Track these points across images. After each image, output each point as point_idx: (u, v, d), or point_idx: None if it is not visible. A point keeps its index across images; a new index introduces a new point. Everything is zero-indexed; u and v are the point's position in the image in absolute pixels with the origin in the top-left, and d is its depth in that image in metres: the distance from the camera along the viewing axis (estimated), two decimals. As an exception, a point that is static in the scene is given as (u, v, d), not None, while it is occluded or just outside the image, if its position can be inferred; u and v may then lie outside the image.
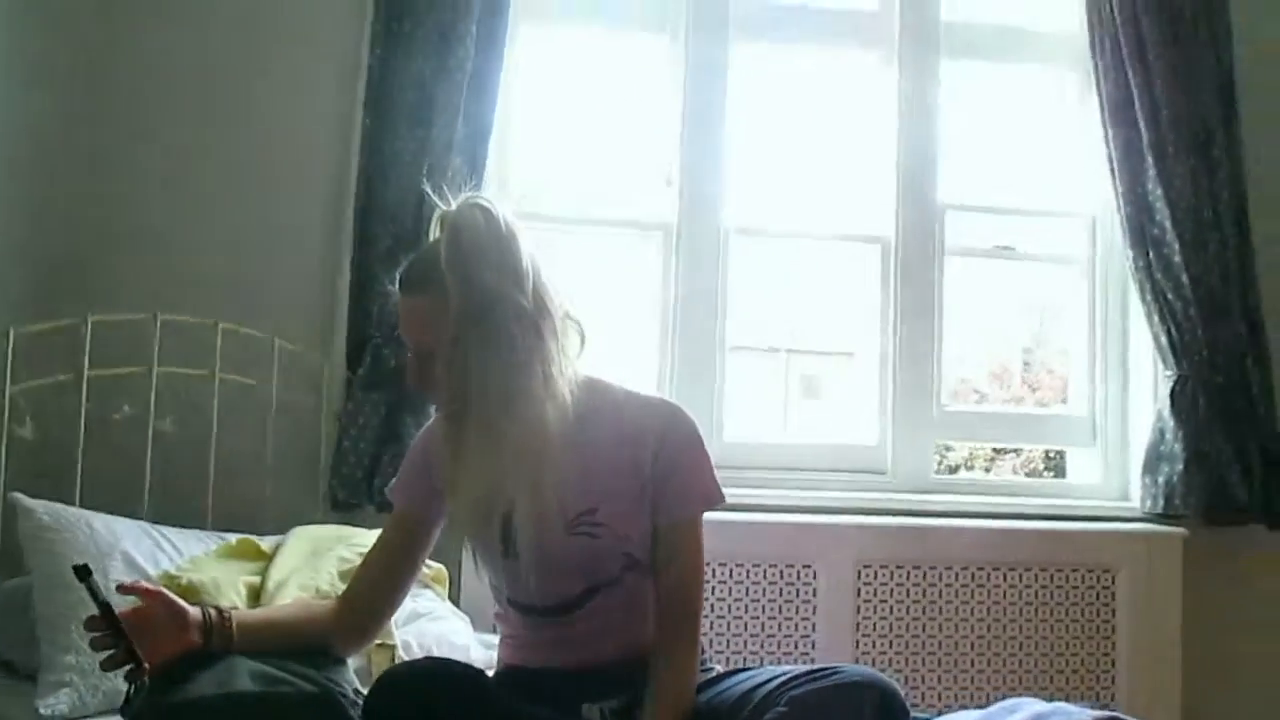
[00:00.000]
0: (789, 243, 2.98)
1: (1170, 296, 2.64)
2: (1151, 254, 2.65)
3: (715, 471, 1.60)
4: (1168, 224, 2.63)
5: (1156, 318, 2.65)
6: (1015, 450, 4.50)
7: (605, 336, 2.89)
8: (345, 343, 2.45)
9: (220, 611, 1.53)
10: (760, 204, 2.88)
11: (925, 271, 2.77)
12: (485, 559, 1.61)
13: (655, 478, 1.55)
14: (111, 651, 1.40)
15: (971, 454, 4.53)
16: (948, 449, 4.07)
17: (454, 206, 1.51)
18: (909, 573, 2.50)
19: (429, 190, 1.58)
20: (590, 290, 2.98)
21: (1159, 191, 2.64)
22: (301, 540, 2.07)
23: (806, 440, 2.94)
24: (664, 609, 1.56)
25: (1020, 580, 2.53)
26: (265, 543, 2.07)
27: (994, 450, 4.64)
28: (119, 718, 1.52)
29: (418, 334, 1.52)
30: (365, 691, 1.45)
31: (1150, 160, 2.65)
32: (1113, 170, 2.69)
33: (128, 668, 1.41)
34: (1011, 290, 3.36)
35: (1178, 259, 2.62)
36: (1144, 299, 2.67)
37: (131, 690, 1.44)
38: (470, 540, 1.63)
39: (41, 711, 1.65)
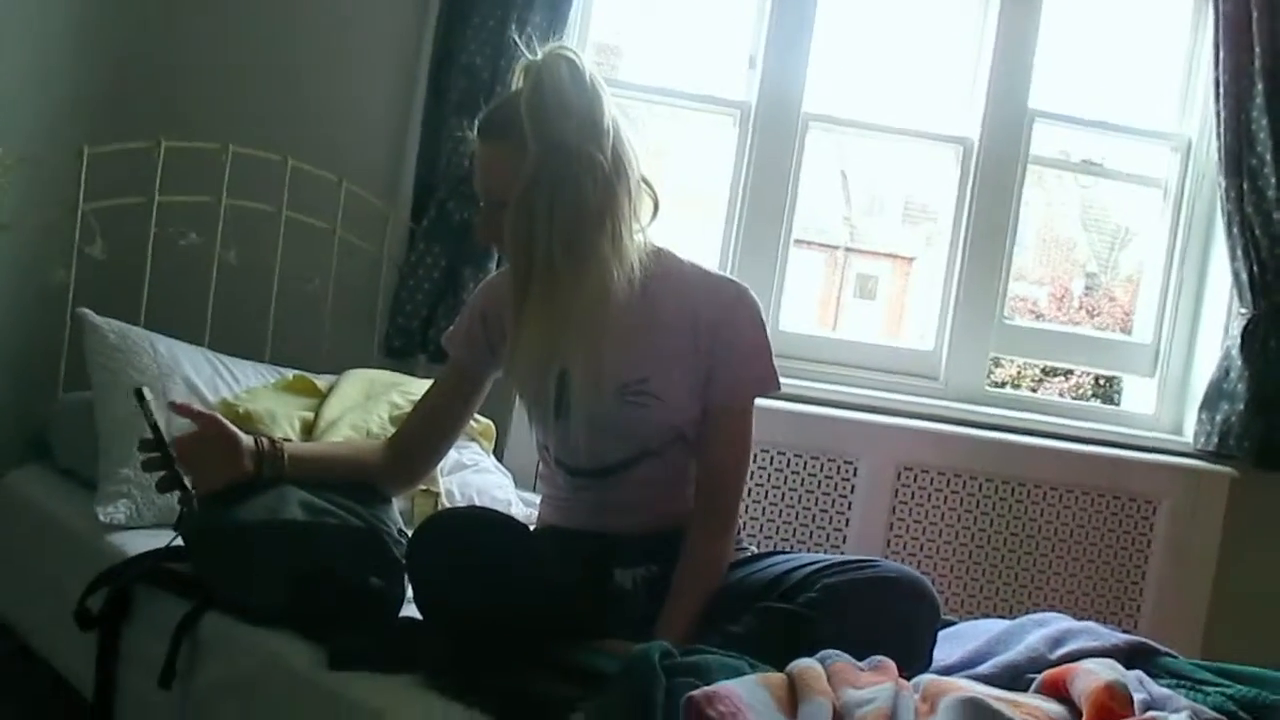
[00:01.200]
0: (866, 136, 2.90)
1: (1257, 232, 2.55)
2: (1246, 185, 2.55)
3: (774, 358, 1.58)
4: (1268, 155, 2.52)
5: (1240, 251, 2.56)
6: (1065, 374, 4.45)
7: (672, 213, 2.89)
8: (412, 192, 2.46)
9: (273, 441, 1.57)
10: (842, 93, 2.80)
11: (1005, 178, 2.69)
12: (537, 416, 1.62)
13: (713, 356, 1.54)
14: (163, 473, 1.45)
15: (1020, 372, 4.49)
16: (996, 364, 4.03)
17: (539, 57, 1.48)
18: (949, 480, 2.51)
19: (516, 39, 1.54)
20: (660, 165, 2.94)
21: (1264, 121, 2.52)
22: (356, 382, 2.11)
23: (863, 339, 2.91)
24: (704, 488, 1.56)
25: (1060, 500, 2.53)
26: (320, 381, 2.11)
27: (1042, 372, 4.59)
28: (173, 532, 1.59)
29: (492, 182, 1.50)
30: (409, 532, 1.49)
31: (1260, 87, 2.53)
32: (1218, 93, 2.57)
33: (178, 490, 1.46)
34: (1090, 208, 3.27)
35: (1272, 193, 2.53)
36: (1230, 231, 2.58)
37: (184, 509, 1.49)
38: (524, 397, 1.65)
39: (100, 519, 1.71)
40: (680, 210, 2.91)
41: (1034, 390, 4.14)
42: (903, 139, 2.89)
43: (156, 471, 1.47)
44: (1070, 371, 4.31)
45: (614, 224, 1.46)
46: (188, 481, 1.45)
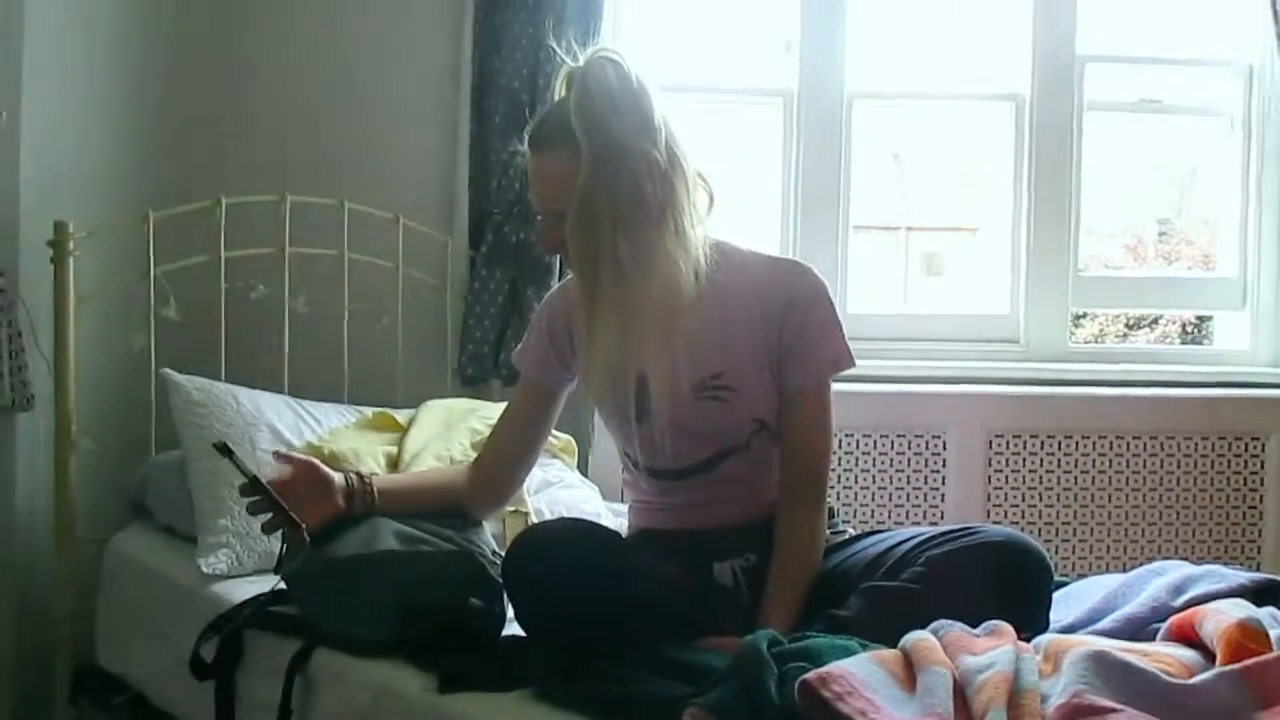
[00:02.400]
0: (914, 106, 2.85)
1: (1334, 147, 2.45)
2: (1314, 101, 2.45)
3: (845, 334, 1.56)
4: (1334, 68, 2.42)
5: (1318, 170, 2.46)
6: (1151, 324, 4.31)
7: (728, 208, 2.87)
8: (467, 220, 2.48)
9: (362, 477, 1.59)
10: (884, 68, 2.75)
11: (1062, 128, 2.62)
12: (617, 424, 1.61)
13: (784, 339, 1.52)
14: (270, 515, 1.47)
15: (1103, 330, 4.36)
16: (1077, 323, 3.92)
17: (581, 62, 1.47)
18: (1043, 442, 2.44)
19: (555, 47, 1.54)
20: (711, 161, 2.93)
21: (1324, 33, 2.42)
22: (434, 412, 2.12)
23: (935, 311, 2.85)
24: (789, 473, 1.54)
25: (1162, 449, 2.45)
26: (400, 416, 2.13)
27: (1126, 326, 4.46)
28: (274, 576, 1.61)
29: (550, 192, 1.49)
30: (501, 553, 1.49)
31: (1320, -2, 2.43)
32: (1275, 12, 2.48)
33: (283, 530, 1.48)
34: (1154, 150, 3.16)
35: (1344, 105, 2.42)
36: (1305, 152, 2.48)
37: (284, 550, 1.51)
38: (601, 406, 1.64)
39: (204, 570, 1.75)
40: (736, 205, 2.89)
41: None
42: (952, 103, 2.84)
43: (262, 514, 1.49)
44: (1155, 322, 4.17)
45: (676, 220, 1.44)
46: (296, 517, 1.46)
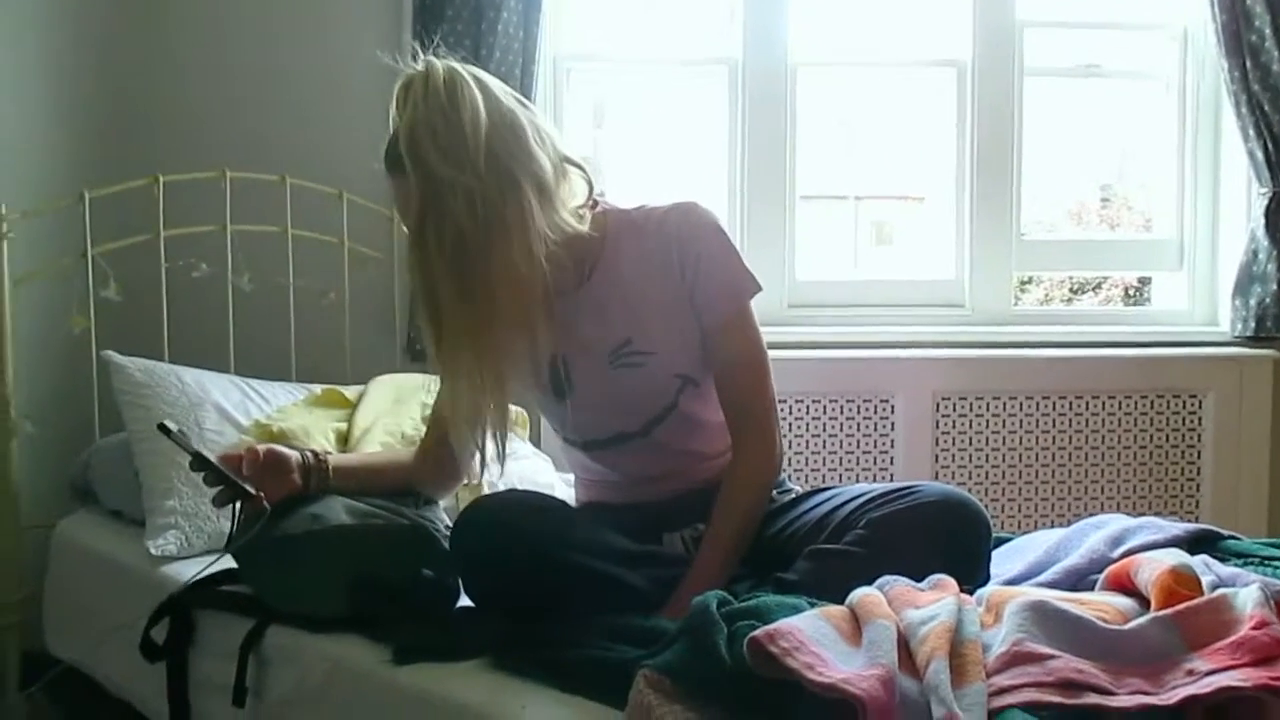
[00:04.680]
0: (858, 74, 2.86)
1: (1268, 108, 2.49)
2: (1249, 63, 2.50)
3: (743, 259, 1.54)
4: (1267, 30, 2.47)
5: (1252, 131, 2.51)
6: (1095, 288, 4.39)
7: (673, 179, 2.87)
8: (412, 194, 2.45)
9: (316, 454, 1.58)
10: (827, 36, 2.76)
11: (1003, 94, 2.66)
12: (541, 404, 1.63)
13: (685, 282, 1.51)
14: (219, 488, 1.46)
15: (1048, 295, 4.43)
16: (1023, 289, 3.98)
17: (418, 68, 1.40)
18: (988, 403, 2.49)
19: (421, 51, 1.46)
20: (657, 133, 2.92)
21: (1259, -6, 2.47)
22: (384, 388, 2.11)
23: (882, 277, 2.88)
24: (730, 414, 1.54)
25: (1103, 408, 2.50)
26: (349, 392, 2.12)
27: (1070, 291, 4.53)
28: (225, 555, 1.60)
29: (404, 215, 1.44)
30: (454, 525, 1.49)
31: (1251, -40, 2.47)
32: (1207, -29, 2.52)
33: (237, 504, 1.47)
34: (1091, 116, 3.20)
35: (1277, 67, 2.47)
36: (1239, 113, 2.52)
37: (237, 524, 1.50)
38: (526, 389, 1.64)
39: (153, 552, 1.73)
40: (682, 175, 2.90)
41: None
42: (895, 70, 2.86)
43: (214, 488, 1.47)
44: (1099, 286, 4.25)
45: (520, 231, 1.38)
46: (250, 489, 1.45)
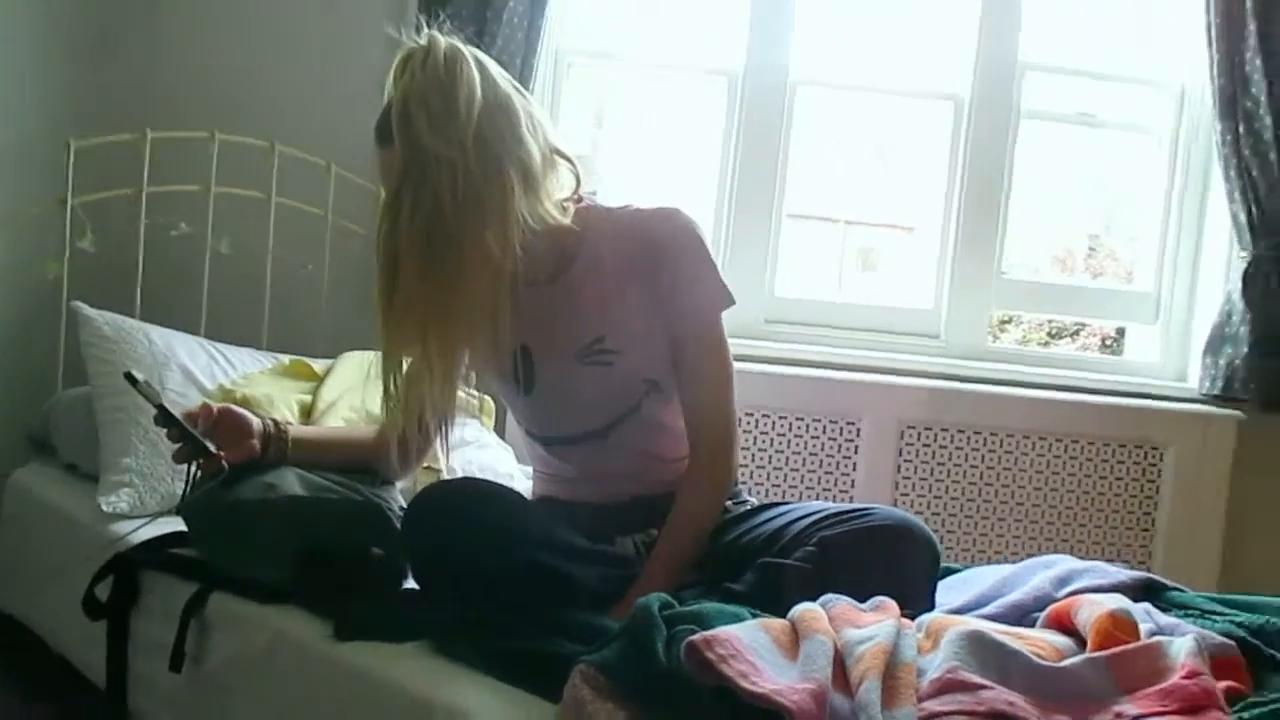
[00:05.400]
0: (857, 97, 2.88)
1: (1255, 173, 2.53)
2: (1241, 127, 2.53)
3: (719, 272, 1.54)
4: (1263, 97, 2.50)
5: (1238, 194, 2.54)
6: (1073, 334, 4.43)
7: (664, 184, 2.87)
8: (400, 174, 2.45)
9: (277, 423, 1.58)
10: (829, 57, 2.78)
11: (998, 132, 2.68)
12: (505, 395, 1.63)
13: (661, 289, 1.51)
14: (180, 445, 1.45)
15: (1026, 336, 4.47)
16: (1002, 329, 4.01)
17: (419, 42, 1.40)
18: (953, 436, 2.50)
19: (424, 24, 1.46)
20: (652, 136, 2.92)
21: (1258, 62, 2.50)
22: (352, 364, 2.10)
23: (860, 301, 2.90)
24: (692, 425, 1.54)
25: (1065, 451, 2.52)
26: (318, 365, 2.11)
27: (1049, 335, 4.57)
28: (177, 517, 1.59)
29: (385, 187, 1.44)
30: (409, 508, 1.48)
31: (1252, 27, 2.50)
32: (1210, 38, 2.54)
33: (195, 462, 1.46)
34: (1084, 164, 3.23)
35: (1269, 135, 2.50)
36: (1227, 175, 2.56)
37: (192, 483, 1.49)
38: (490, 380, 1.64)
39: (104, 509, 1.72)
40: (674, 182, 2.91)
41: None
42: (893, 98, 2.88)
43: (176, 443, 1.46)
44: (1076, 333, 4.28)
45: (498, 214, 1.38)
46: (211, 447, 1.44)
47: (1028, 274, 3.38)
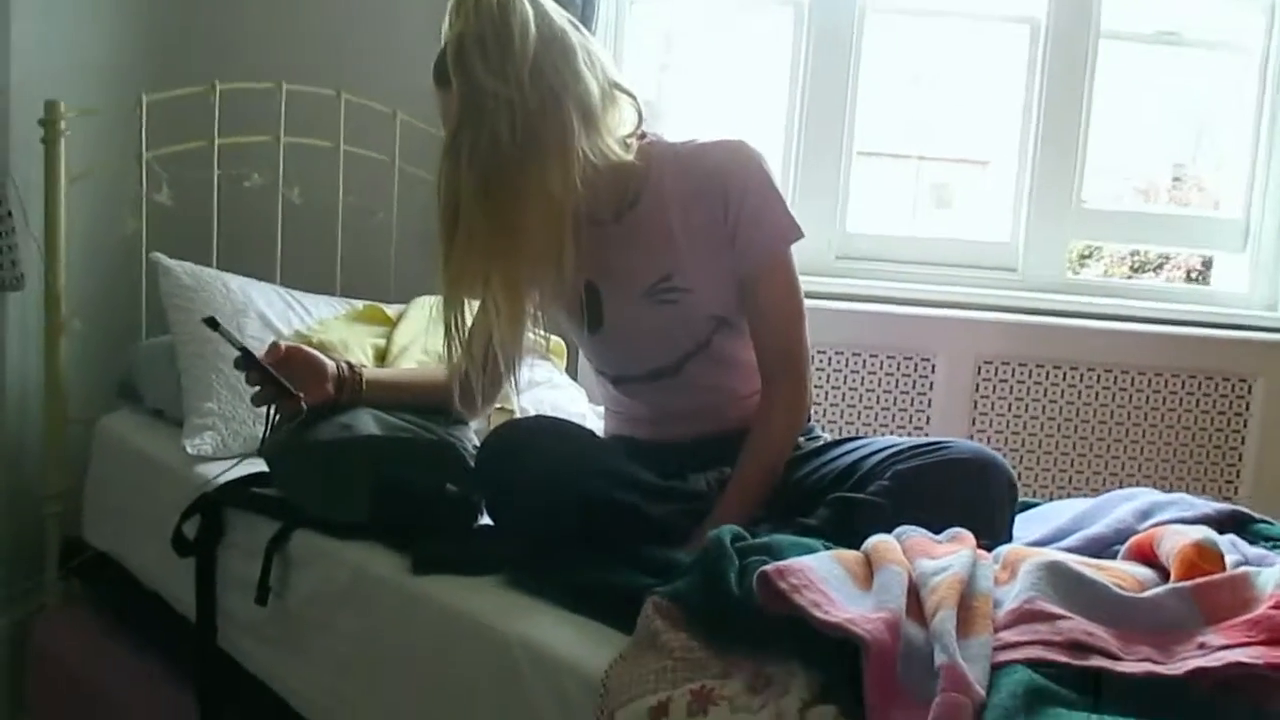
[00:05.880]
0: (928, 23, 2.80)
1: (1351, 91, 2.41)
2: (1336, 41, 2.40)
3: (787, 204, 1.52)
4: (1359, 7, 2.37)
5: (1332, 113, 2.42)
6: (1156, 268, 4.28)
7: (731, 119, 2.83)
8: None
9: (351, 366, 1.61)
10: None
11: (1076, 55, 2.58)
12: (574, 333, 1.63)
13: (728, 223, 1.50)
14: (260, 387, 1.48)
15: (1108, 271, 4.34)
16: (1082, 264, 3.89)
17: None
18: (1031, 371, 2.45)
19: None
20: (719, 69, 2.87)
21: (1353, -32, 2.37)
22: (424, 308, 2.13)
23: (935, 235, 2.84)
24: (761, 357, 1.53)
25: (1149, 385, 2.46)
26: (390, 310, 2.13)
27: (1131, 270, 4.42)
28: (258, 458, 1.63)
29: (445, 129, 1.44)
30: (482, 447, 1.50)
31: (1348, -69, 2.36)
32: (1303, -57, 2.42)
33: (274, 404, 1.50)
34: (1168, 87, 3.10)
35: (1365, 47, 2.38)
36: (1320, 93, 2.44)
37: (273, 425, 1.53)
38: (559, 318, 1.64)
39: (189, 450, 1.77)
40: (744, 114, 2.86)
41: (1122, 288, 3.99)
42: (966, 22, 2.79)
43: (254, 386, 1.50)
44: (1160, 267, 4.14)
45: (557, 151, 1.37)
46: (290, 388, 1.47)
47: (1110, 203, 3.27)
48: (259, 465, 1.62)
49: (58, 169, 1.95)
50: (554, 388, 2.14)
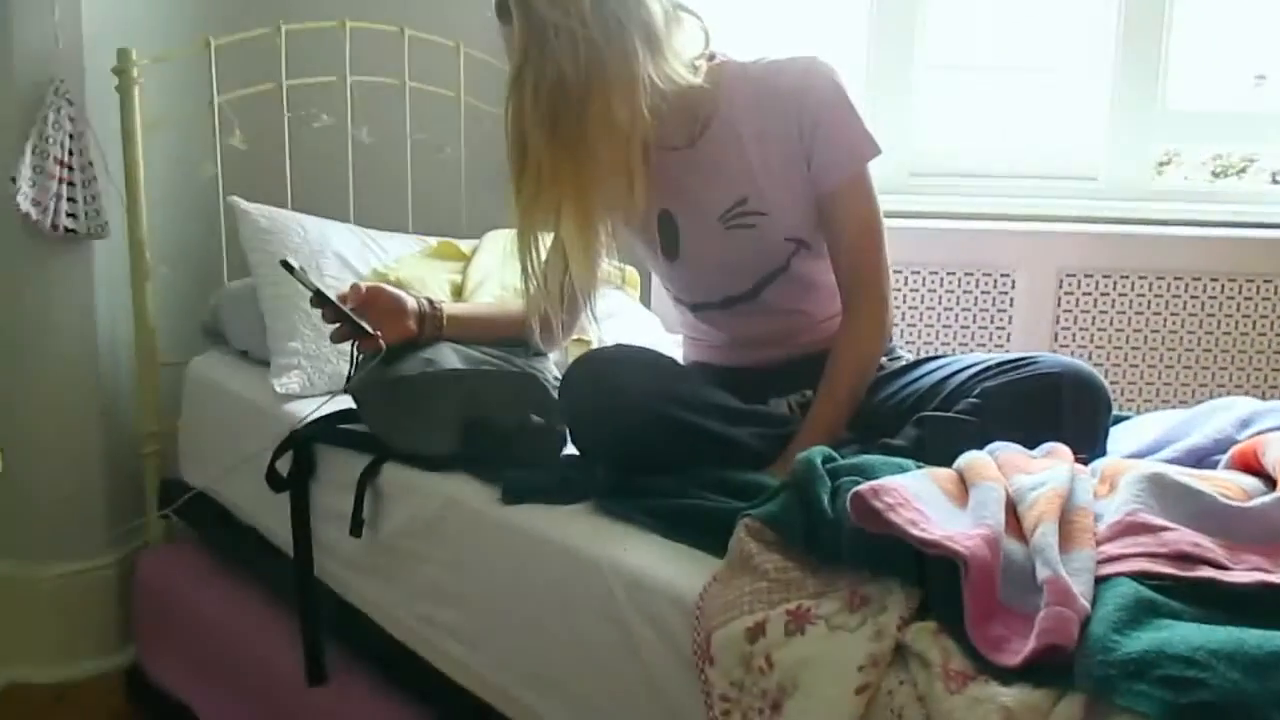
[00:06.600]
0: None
1: None
2: None
3: (863, 120, 1.49)
4: None
5: None
6: (1240, 172, 4.12)
7: (803, 36, 2.75)
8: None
9: (431, 302, 1.62)
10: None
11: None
12: (650, 263, 1.61)
13: (804, 142, 1.47)
14: (337, 325, 1.50)
15: (1188, 177, 4.18)
16: (1160, 171, 3.76)
17: None
18: (1115, 282, 2.38)
19: None
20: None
21: None
22: (497, 243, 2.13)
23: (1009, 146, 2.75)
24: (842, 276, 1.51)
25: (1239, 291, 2.37)
26: (464, 245, 2.14)
27: (1213, 175, 4.26)
28: (345, 395, 1.66)
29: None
30: (563, 378, 1.51)
31: None
32: None
33: (354, 342, 1.52)
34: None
35: None
36: None
37: (355, 363, 1.56)
38: (635, 246, 1.63)
39: (277, 390, 1.81)
40: (813, 32, 2.78)
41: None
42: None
43: (331, 324, 1.52)
44: (1244, 171, 3.98)
45: (623, 79, 1.35)
46: (368, 327, 1.48)
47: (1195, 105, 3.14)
48: (346, 402, 1.64)
49: (134, 117, 1.98)
50: (628, 317, 2.14)
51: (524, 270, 1.49)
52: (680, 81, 1.42)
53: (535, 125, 1.36)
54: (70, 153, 1.97)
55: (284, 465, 1.63)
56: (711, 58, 1.51)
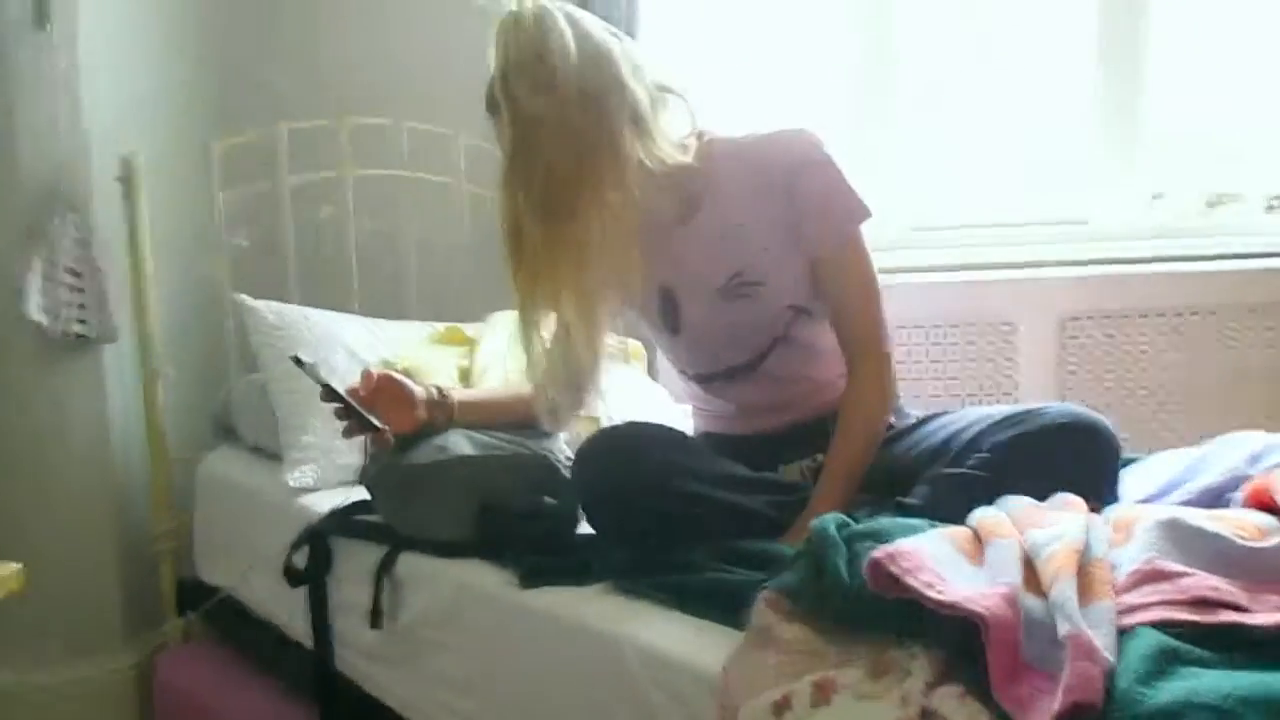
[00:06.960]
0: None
1: None
2: None
3: (852, 184, 1.51)
4: None
5: None
6: (1232, 201, 4.14)
7: (782, 105, 2.79)
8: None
9: (440, 390, 1.63)
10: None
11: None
12: (654, 338, 1.63)
13: (795, 210, 1.49)
14: (347, 422, 1.51)
15: (1179, 213, 4.21)
16: (1152, 204, 3.78)
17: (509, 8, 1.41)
18: (1118, 323, 2.38)
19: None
20: (761, 57, 2.84)
21: None
22: (503, 324, 2.15)
23: (997, 195, 2.77)
24: (843, 340, 1.53)
25: (1242, 323, 2.37)
26: (470, 329, 2.16)
27: (1206, 205, 4.29)
28: (358, 487, 1.67)
29: None
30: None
31: None
32: None
33: (366, 437, 1.52)
34: (1231, 11, 2.97)
35: None
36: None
37: (368, 460, 1.57)
38: (639, 321, 1.65)
39: (291, 484, 1.82)
40: (794, 100, 2.83)
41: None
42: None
43: (342, 420, 1.52)
44: (1237, 199, 4.01)
45: (613, 163, 1.39)
46: (377, 422, 1.49)
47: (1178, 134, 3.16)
48: (360, 493, 1.65)
49: (139, 222, 2.02)
50: (637, 391, 2.15)
51: (528, 354, 1.51)
52: (669, 161, 1.45)
53: (528, 214, 1.40)
54: (78, 259, 2.01)
55: (301, 559, 1.64)
56: (700, 135, 1.54)
